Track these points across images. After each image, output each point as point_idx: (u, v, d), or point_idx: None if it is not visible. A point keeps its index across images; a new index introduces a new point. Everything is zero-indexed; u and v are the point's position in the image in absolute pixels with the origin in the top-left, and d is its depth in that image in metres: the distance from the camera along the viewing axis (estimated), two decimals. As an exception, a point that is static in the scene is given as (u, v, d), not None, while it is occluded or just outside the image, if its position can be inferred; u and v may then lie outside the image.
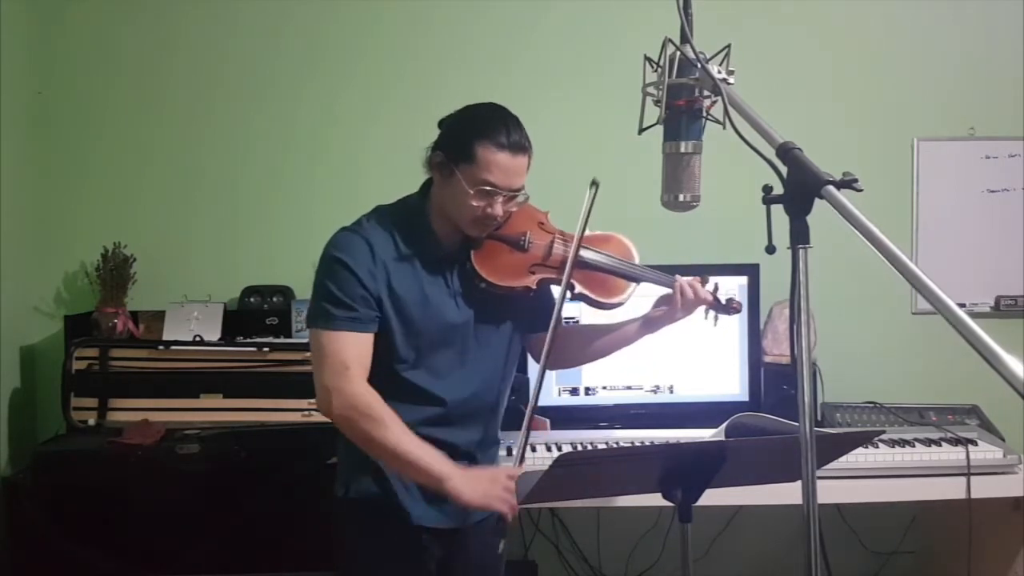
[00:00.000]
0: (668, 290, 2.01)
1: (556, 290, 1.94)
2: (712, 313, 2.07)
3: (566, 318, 2.05)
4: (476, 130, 1.81)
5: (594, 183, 1.91)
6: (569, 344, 2.06)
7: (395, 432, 1.79)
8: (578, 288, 1.96)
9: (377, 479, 1.90)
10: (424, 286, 1.88)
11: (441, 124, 1.90)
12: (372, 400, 1.80)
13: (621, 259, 2.01)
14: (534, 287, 1.92)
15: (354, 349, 1.81)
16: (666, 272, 2.04)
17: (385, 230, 1.88)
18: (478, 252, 1.90)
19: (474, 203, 1.81)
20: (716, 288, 2.05)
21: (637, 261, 2.03)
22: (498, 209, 1.83)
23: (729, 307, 2.08)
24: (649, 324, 2.03)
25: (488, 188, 1.80)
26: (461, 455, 1.91)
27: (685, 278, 2.00)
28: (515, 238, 1.92)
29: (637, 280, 2.01)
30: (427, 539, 1.93)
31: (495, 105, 1.88)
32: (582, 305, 2.08)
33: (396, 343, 1.85)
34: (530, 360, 2.81)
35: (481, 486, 1.78)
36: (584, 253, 1.95)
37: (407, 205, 1.94)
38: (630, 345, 2.05)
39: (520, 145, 1.82)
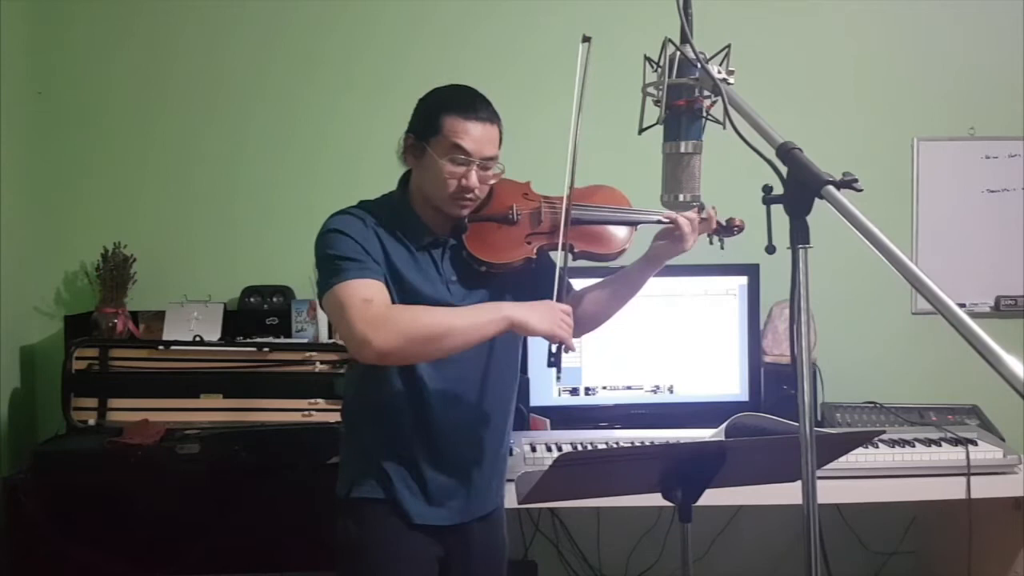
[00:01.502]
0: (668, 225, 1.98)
1: (555, 256, 1.92)
2: (716, 238, 2.04)
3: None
4: (442, 104, 1.85)
5: (586, 39, 1.88)
6: (580, 308, 2.03)
7: (438, 314, 1.77)
8: (578, 247, 1.94)
9: (380, 480, 1.90)
10: (418, 267, 1.88)
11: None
12: (397, 307, 1.79)
13: (613, 207, 1.99)
14: (534, 256, 1.92)
15: (371, 289, 1.78)
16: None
17: (373, 215, 1.89)
18: (470, 237, 1.89)
19: (448, 176, 1.82)
20: (714, 211, 2.02)
21: (628, 206, 2.01)
22: (473, 179, 1.83)
23: (731, 227, 2.04)
24: (654, 261, 1.99)
25: (459, 156, 1.81)
26: (458, 449, 1.92)
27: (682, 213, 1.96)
28: (503, 213, 1.92)
29: (634, 224, 1.99)
30: (429, 540, 1.93)
31: (460, 84, 1.91)
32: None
33: None
34: (529, 359, 2.82)
35: (545, 313, 1.78)
36: (575, 212, 1.93)
37: (390, 198, 1.96)
38: (640, 288, 2.02)
39: (487, 116, 1.84)
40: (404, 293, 1.85)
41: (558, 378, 1.88)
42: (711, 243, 2.05)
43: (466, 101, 1.84)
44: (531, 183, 2.01)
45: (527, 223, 1.94)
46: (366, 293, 1.77)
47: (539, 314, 1.78)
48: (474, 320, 1.77)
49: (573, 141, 1.88)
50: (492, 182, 1.90)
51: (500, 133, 1.88)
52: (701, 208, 1.99)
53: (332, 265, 1.81)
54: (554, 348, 1.83)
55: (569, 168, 1.89)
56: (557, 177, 1.93)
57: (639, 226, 2.00)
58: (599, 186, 2.03)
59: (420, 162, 1.87)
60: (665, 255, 1.98)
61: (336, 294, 1.78)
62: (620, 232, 1.98)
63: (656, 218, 1.98)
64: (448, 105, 1.84)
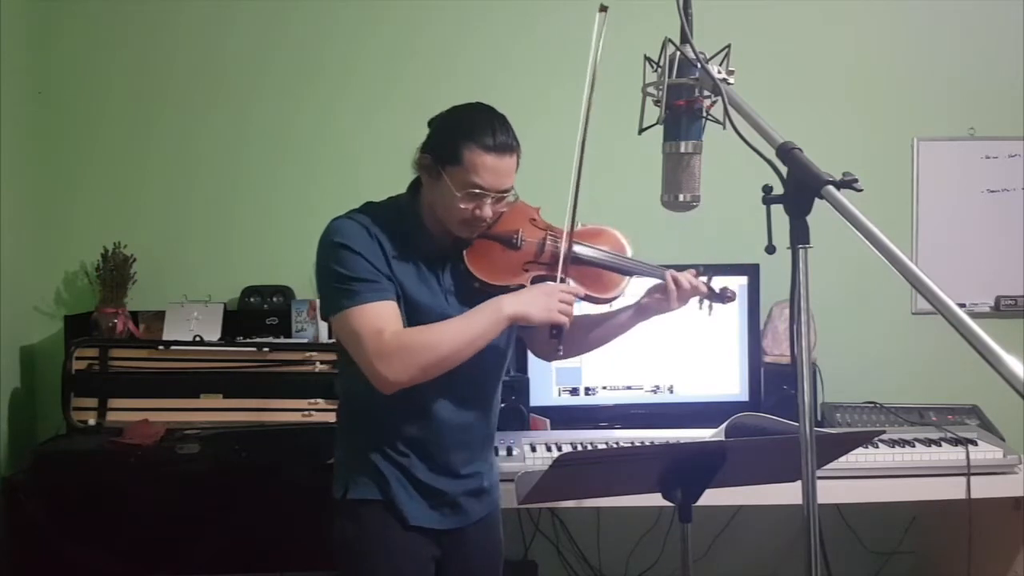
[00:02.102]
0: (661, 281, 2.00)
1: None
2: (706, 303, 2.05)
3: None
4: (462, 132, 1.79)
5: (603, 8, 1.84)
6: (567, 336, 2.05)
7: (444, 336, 1.78)
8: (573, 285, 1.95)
9: (376, 481, 1.90)
10: (419, 276, 1.88)
11: (431, 124, 1.90)
12: (405, 336, 1.78)
13: (614, 252, 2.00)
14: (527, 285, 1.91)
15: (384, 313, 1.78)
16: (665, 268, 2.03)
17: (377, 221, 1.87)
18: (471, 252, 1.89)
19: (462, 206, 1.80)
20: (710, 279, 2.03)
21: (630, 254, 2.02)
22: (487, 211, 1.82)
23: (723, 296, 2.04)
24: (642, 312, 2.02)
25: (476, 191, 1.78)
26: (453, 453, 1.92)
27: (678, 272, 1.99)
28: (507, 236, 1.91)
29: (631, 274, 2.00)
30: (426, 540, 1.92)
31: (482, 105, 1.87)
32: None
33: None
34: (529, 359, 2.82)
35: (541, 301, 1.80)
36: (577, 249, 1.94)
37: (397, 203, 1.94)
38: (624, 333, 2.05)
39: (507, 145, 1.80)
40: (406, 304, 1.85)
41: (559, 350, 1.89)
42: (700, 308, 2.04)
43: (487, 129, 1.78)
44: (540, 210, 1.99)
45: (529, 251, 1.93)
46: (378, 322, 1.77)
47: (535, 304, 1.80)
48: (477, 328, 1.78)
49: (583, 129, 1.86)
50: (504, 210, 1.89)
51: (518, 159, 1.84)
52: (698, 273, 2.01)
53: (343, 286, 1.79)
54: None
55: (575, 167, 1.88)
56: (564, 200, 1.91)
57: (635, 277, 2.01)
58: (604, 229, 2.03)
59: (435, 183, 1.83)
60: (654, 310, 2.01)
61: (349, 321, 1.78)
62: (617, 279, 1.99)
63: (653, 274, 2.00)
64: (470, 135, 1.78)
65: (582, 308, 2.02)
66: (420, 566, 1.93)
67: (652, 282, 2.03)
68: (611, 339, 2.07)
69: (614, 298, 1.99)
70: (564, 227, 1.91)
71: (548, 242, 1.94)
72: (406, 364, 1.75)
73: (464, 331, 1.78)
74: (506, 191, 1.83)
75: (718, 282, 2.04)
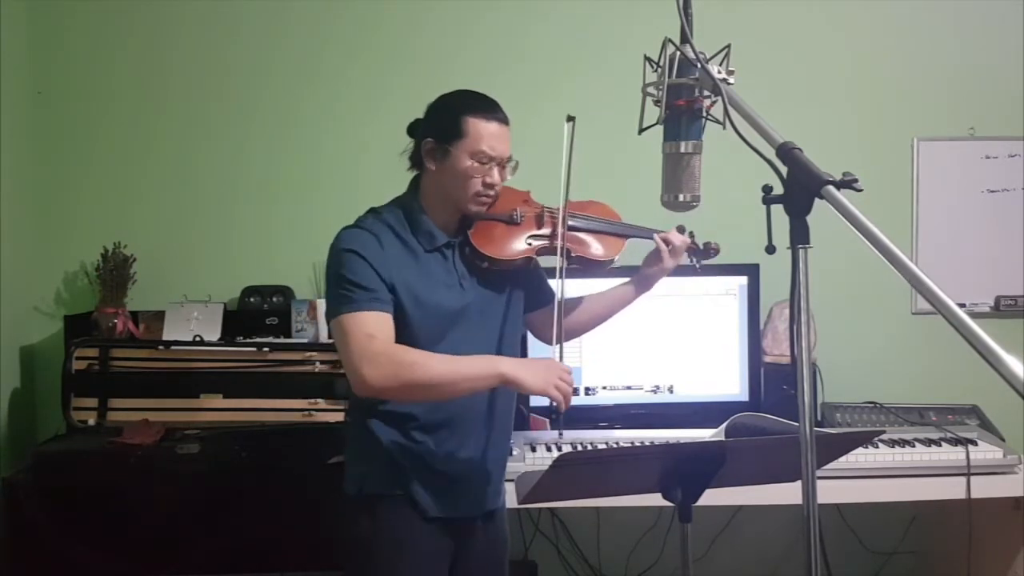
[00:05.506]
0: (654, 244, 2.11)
1: (553, 261, 2.01)
2: (694, 258, 2.17)
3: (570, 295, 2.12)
4: (462, 107, 1.92)
5: (570, 118, 1.98)
6: (570, 314, 2.14)
7: (434, 363, 1.82)
8: (575, 252, 2.06)
9: (394, 475, 1.92)
10: (429, 272, 1.93)
11: (411, 131, 1.99)
12: (398, 349, 1.83)
13: (607, 219, 2.13)
14: (534, 255, 2.03)
15: (378, 323, 1.83)
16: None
17: (385, 224, 1.94)
18: (475, 234, 1.98)
19: (474, 175, 1.90)
20: (692, 235, 2.15)
21: (621, 220, 2.16)
22: (496, 176, 1.93)
23: (708, 250, 2.18)
24: (643, 282, 2.13)
25: (485, 156, 1.89)
26: (471, 437, 1.95)
27: (666, 232, 2.11)
28: (507, 214, 2.02)
29: (625, 236, 2.13)
30: (442, 533, 1.95)
31: (466, 89, 1.99)
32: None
33: (414, 330, 1.89)
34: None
35: (540, 371, 1.83)
36: (573, 220, 2.06)
37: (400, 202, 2.01)
38: (629, 306, 2.16)
39: (503, 117, 1.94)
40: (418, 306, 1.89)
41: (560, 435, 1.93)
42: (690, 262, 2.16)
43: (484, 103, 1.93)
44: (531, 192, 2.10)
45: (530, 224, 2.04)
46: (371, 328, 1.82)
47: (533, 372, 1.83)
48: (467, 372, 1.82)
49: (563, 212, 2.00)
50: (510, 176, 1.99)
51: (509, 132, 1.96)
52: (682, 229, 2.13)
53: (345, 291, 1.85)
54: (553, 404, 1.85)
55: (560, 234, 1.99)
56: (553, 187, 2.00)
57: (629, 239, 2.13)
58: (593, 201, 2.16)
59: (442, 165, 1.92)
60: (652, 277, 2.11)
61: (343, 323, 1.83)
62: (613, 241, 2.12)
63: (644, 234, 2.13)
64: (469, 108, 1.91)
65: (586, 283, 2.07)
66: (436, 560, 1.96)
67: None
68: (615, 312, 2.17)
69: (612, 260, 2.11)
70: (556, 203, 2.03)
71: (545, 215, 2.06)
72: (387, 372, 1.79)
73: (453, 369, 1.82)
74: (509, 158, 1.95)
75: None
